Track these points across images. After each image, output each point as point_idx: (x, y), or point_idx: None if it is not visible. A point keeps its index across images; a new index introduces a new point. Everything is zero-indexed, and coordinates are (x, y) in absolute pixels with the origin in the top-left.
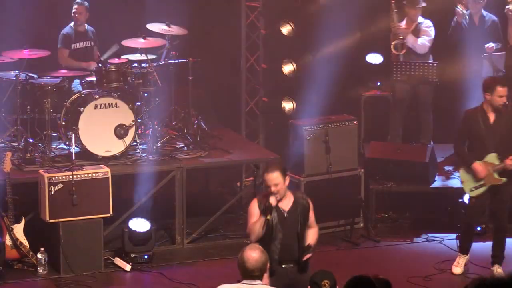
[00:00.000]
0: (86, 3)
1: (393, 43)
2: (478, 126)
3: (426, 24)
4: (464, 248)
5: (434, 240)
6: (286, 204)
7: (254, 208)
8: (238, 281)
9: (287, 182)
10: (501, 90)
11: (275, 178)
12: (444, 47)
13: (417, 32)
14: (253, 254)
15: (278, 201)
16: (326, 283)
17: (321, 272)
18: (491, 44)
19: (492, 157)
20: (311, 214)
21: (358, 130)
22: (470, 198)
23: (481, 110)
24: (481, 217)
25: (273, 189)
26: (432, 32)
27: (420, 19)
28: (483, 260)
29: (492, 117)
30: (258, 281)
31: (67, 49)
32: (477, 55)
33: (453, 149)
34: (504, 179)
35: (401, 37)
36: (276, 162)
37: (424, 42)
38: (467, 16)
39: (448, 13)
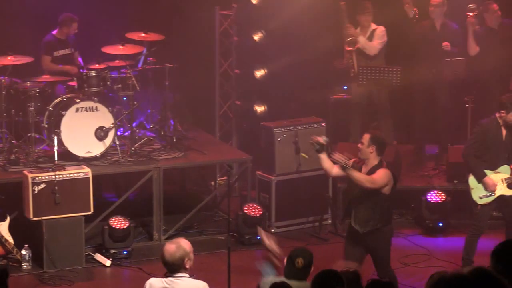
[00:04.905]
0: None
1: (347, 40)
2: (493, 139)
3: (380, 29)
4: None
5: (399, 236)
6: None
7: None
8: (165, 275)
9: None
10: None
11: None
12: (405, 52)
13: (371, 38)
14: (169, 248)
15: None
16: (299, 261)
17: (299, 250)
18: (446, 42)
19: (505, 169)
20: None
21: (326, 131)
22: (477, 205)
23: (496, 123)
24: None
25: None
26: (384, 36)
27: (374, 26)
28: (446, 255)
29: (504, 131)
30: (182, 274)
31: (49, 56)
32: (438, 60)
33: (463, 157)
34: None
35: (352, 37)
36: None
37: (375, 44)
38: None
39: (404, 18)
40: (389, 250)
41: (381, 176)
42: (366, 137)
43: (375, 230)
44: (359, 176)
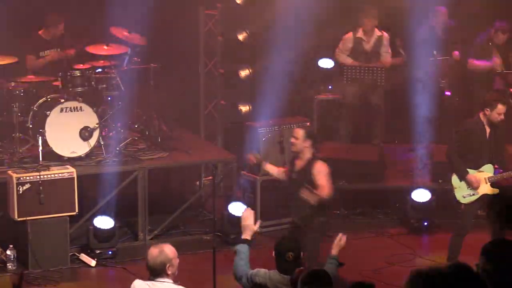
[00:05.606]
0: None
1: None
2: (477, 138)
3: (386, 38)
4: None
5: (384, 235)
6: None
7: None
8: (149, 279)
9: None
10: (501, 108)
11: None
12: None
13: (379, 47)
14: (152, 252)
15: None
16: (290, 255)
17: (285, 242)
18: (456, 52)
19: (488, 168)
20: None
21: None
22: (460, 205)
23: (480, 123)
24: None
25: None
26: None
27: (377, 32)
28: (431, 254)
29: (488, 130)
30: (165, 279)
31: (34, 56)
32: (427, 60)
33: (446, 156)
34: (497, 190)
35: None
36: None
37: (389, 53)
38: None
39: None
40: (318, 243)
41: (323, 177)
42: (300, 132)
43: (311, 223)
44: (314, 197)
